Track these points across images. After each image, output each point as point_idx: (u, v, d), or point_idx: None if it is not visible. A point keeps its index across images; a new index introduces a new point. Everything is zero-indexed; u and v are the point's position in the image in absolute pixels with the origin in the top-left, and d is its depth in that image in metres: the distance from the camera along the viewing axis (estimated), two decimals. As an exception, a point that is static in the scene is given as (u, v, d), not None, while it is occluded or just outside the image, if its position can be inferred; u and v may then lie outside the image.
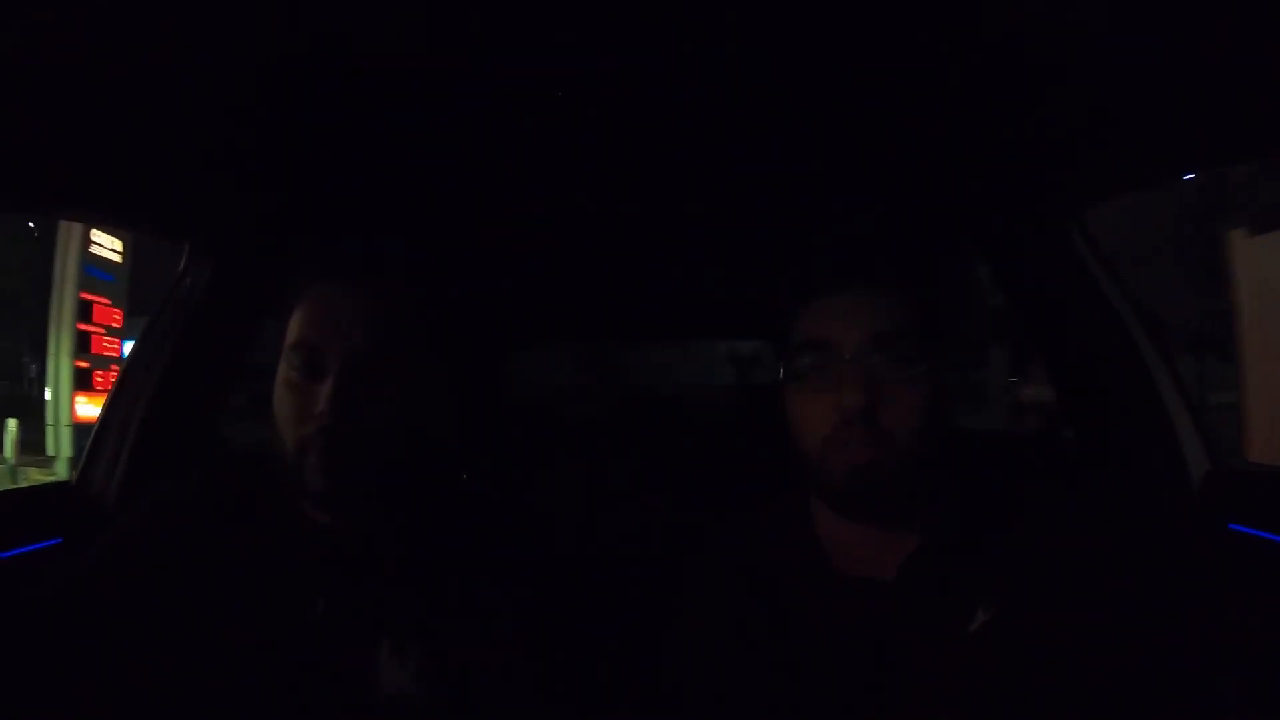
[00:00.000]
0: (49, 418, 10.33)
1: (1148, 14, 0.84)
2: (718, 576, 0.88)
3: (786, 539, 0.87)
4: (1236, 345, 5.91)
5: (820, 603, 0.81)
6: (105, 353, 10.25)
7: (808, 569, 0.84)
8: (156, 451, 1.34)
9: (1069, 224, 1.38)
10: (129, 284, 10.84)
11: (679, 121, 1.14)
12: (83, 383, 9.83)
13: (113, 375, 8.65)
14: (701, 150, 1.24)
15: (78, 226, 9.90)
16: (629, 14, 0.87)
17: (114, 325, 10.44)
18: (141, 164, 1.14)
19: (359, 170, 1.29)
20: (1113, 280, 1.36)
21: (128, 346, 6.75)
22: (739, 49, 0.94)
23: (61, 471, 9.40)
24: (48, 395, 10.06)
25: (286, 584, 0.82)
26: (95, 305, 10.30)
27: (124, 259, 10.83)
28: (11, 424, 10.03)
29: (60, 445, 9.73)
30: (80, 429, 9.54)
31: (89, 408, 9.59)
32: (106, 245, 10.44)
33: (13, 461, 10.26)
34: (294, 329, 0.82)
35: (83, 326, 10.12)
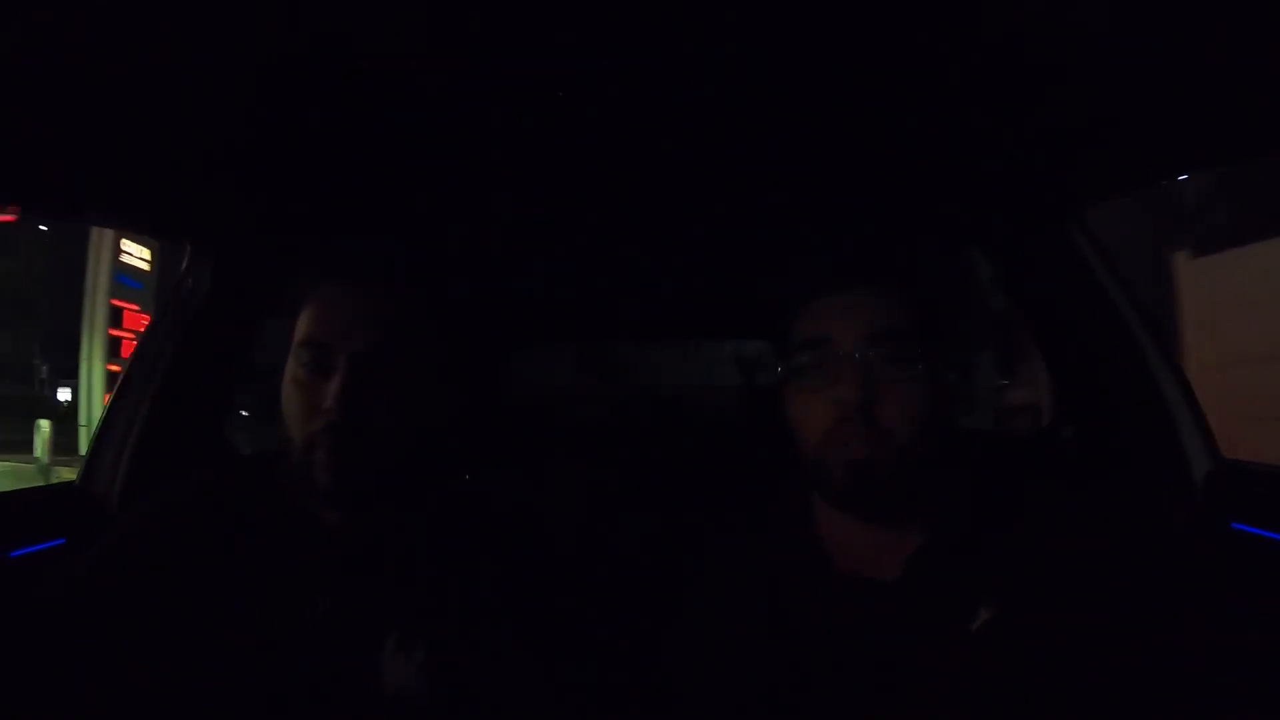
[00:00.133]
0: (81, 419, 10.51)
1: (1148, 14, 0.82)
2: (719, 576, 0.87)
3: (788, 539, 0.86)
4: (1181, 360, 5.87)
5: (822, 602, 0.80)
6: (135, 356, 10.37)
7: (809, 569, 0.82)
8: (159, 452, 1.33)
9: (1070, 223, 1.35)
10: (157, 291, 11.02)
11: (679, 121, 1.12)
12: (114, 385, 9.95)
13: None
14: (702, 150, 1.22)
15: (109, 237, 10.11)
16: (630, 14, 0.85)
17: (143, 330, 10.57)
18: (142, 164, 1.13)
19: (361, 171, 1.27)
20: (1115, 279, 1.34)
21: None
22: (739, 49, 0.92)
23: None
24: (80, 397, 10.23)
25: (290, 582, 0.81)
26: (125, 311, 10.47)
27: (152, 267, 11.02)
28: (44, 425, 10.19)
29: (92, 445, 9.89)
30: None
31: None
32: (136, 254, 10.67)
33: (46, 461, 10.43)
34: (301, 327, 0.83)
35: (114, 332, 10.30)
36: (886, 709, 0.74)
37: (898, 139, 1.18)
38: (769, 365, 0.93)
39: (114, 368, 10.29)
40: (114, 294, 10.32)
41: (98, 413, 9.85)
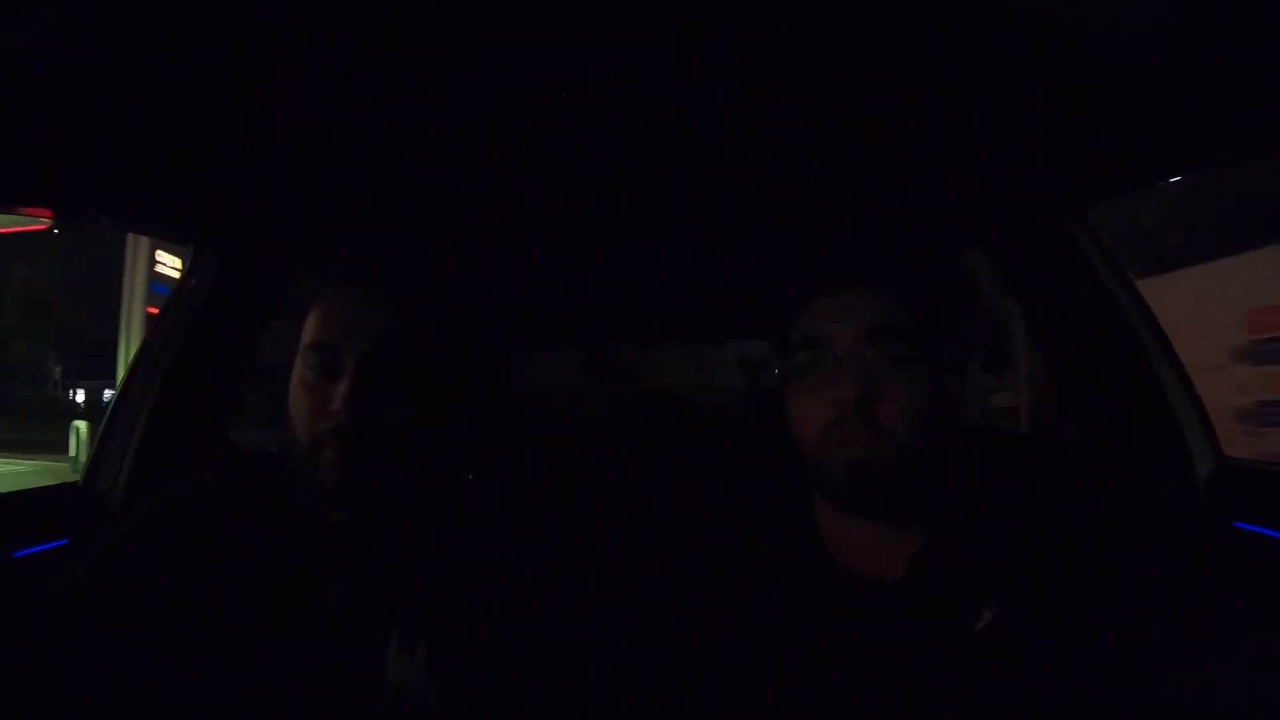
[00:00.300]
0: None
1: (1148, 14, 0.80)
2: (722, 576, 0.86)
3: (790, 538, 0.84)
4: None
5: (824, 601, 0.78)
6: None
7: (811, 568, 0.81)
8: (162, 453, 1.31)
9: (1071, 223, 1.34)
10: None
11: (680, 121, 1.10)
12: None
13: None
14: (702, 149, 1.20)
15: (145, 247, 10.36)
16: (632, 14, 0.83)
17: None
18: (146, 165, 1.11)
19: (364, 172, 1.25)
20: (1116, 278, 1.32)
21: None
22: (740, 50, 0.91)
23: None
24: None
25: (293, 581, 0.80)
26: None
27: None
28: (81, 426, 10.28)
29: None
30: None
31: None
32: (169, 264, 10.95)
33: (83, 461, 10.50)
34: (309, 330, 0.83)
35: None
36: (888, 709, 0.73)
37: (899, 139, 1.16)
38: (771, 366, 0.92)
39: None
40: (150, 302, 10.52)
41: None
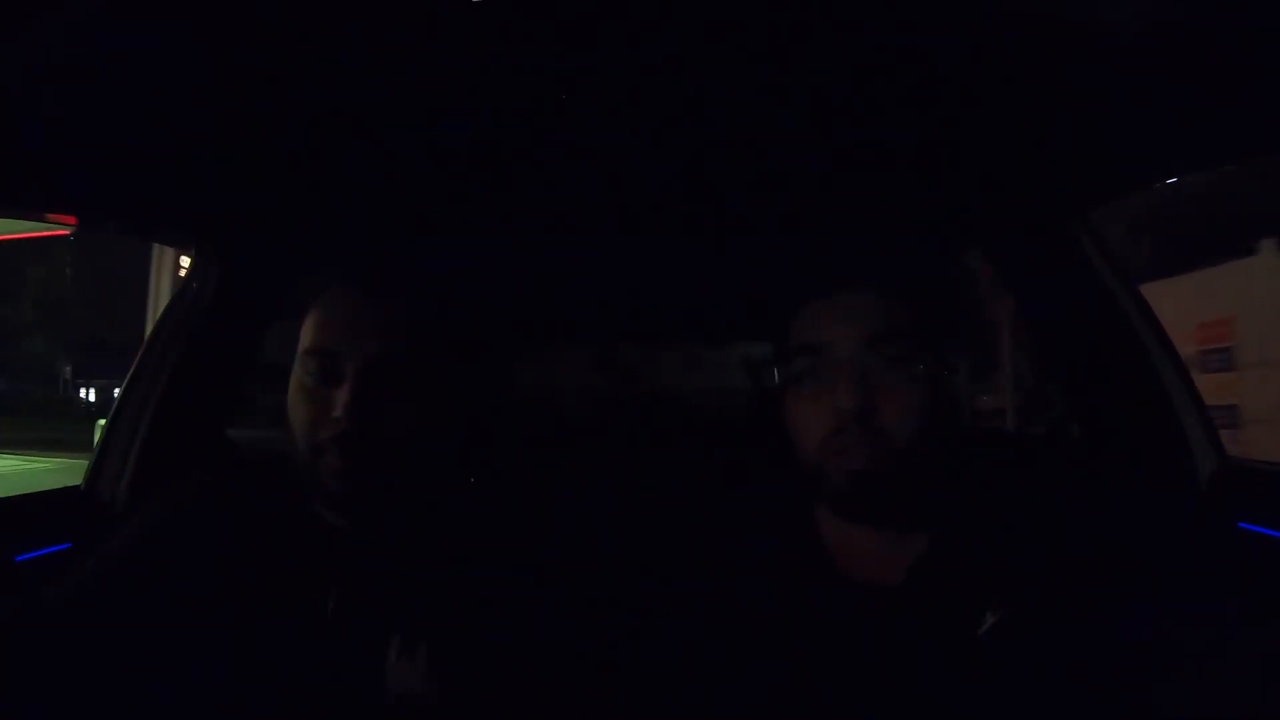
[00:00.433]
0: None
1: (1149, 14, 0.79)
2: (724, 580, 0.84)
3: (792, 542, 0.83)
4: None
5: (826, 606, 0.77)
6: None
7: (813, 572, 0.79)
8: (164, 456, 1.30)
9: (1074, 225, 1.33)
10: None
11: (684, 123, 1.09)
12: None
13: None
14: (706, 152, 1.19)
15: (170, 253, 10.49)
16: (634, 16, 0.82)
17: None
18: (147, 169, 1.10)
19: (367, 175, 1.24)
20: (1119, 279, 1.31)
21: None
22: (743, 52, 0.90)
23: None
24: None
25: (295, 585, 0.79)
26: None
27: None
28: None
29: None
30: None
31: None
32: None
33: None
34: (308, 334, 0.81)
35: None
36: (891, 713, 0.71)
37: (901, 141, 1.14)
38: (774, 369, 0.91)
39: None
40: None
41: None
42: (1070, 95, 0.98)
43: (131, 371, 1.33)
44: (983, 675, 0.69)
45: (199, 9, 0.77)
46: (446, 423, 0.87)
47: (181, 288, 1.35)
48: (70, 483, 1.33)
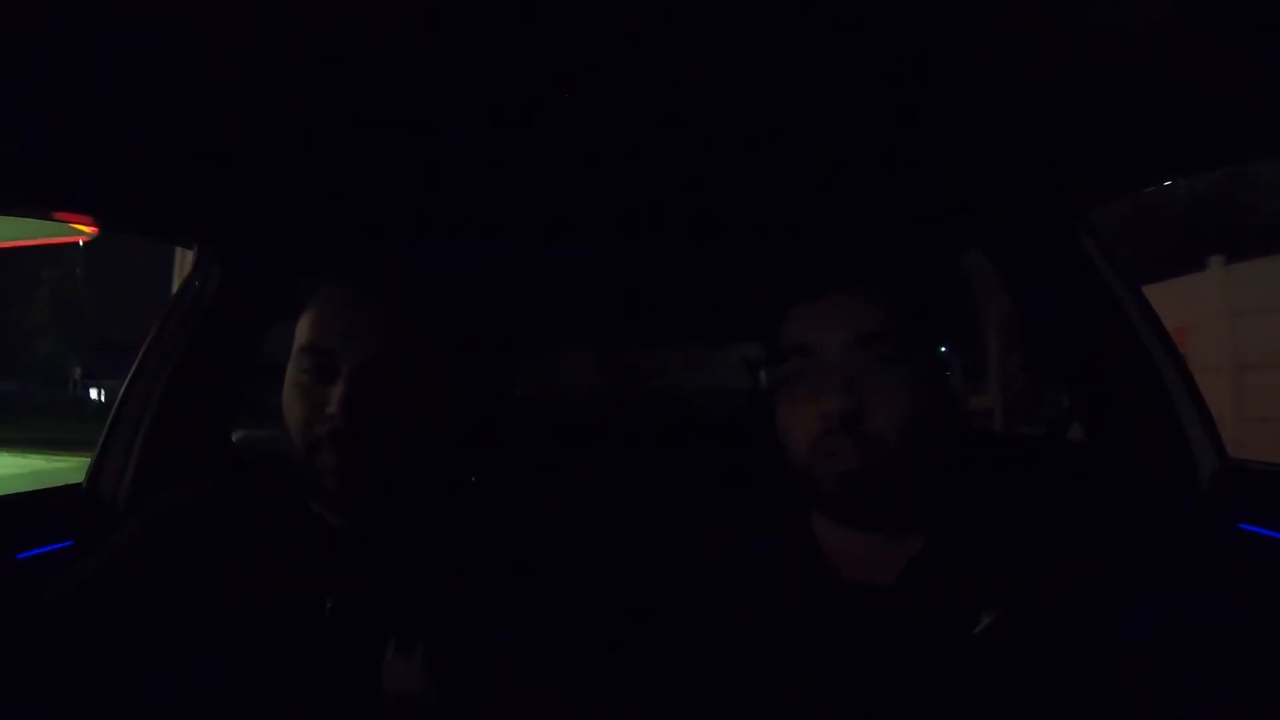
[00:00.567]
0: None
1: (1149, 14, 0.78)
2: (722, 580, 0.83)
3: (788, 543, 0.82)
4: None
5: (824, 607, 0.76)
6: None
7: (812, 573, 0.78)
8: (166, 455, 1.30)
9: (1075, 225, 1.32)
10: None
11: (685, 123, 1.08)
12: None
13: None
14: (706, 152, 1.18)
15: (190, 256, 10.60)
16: (633, 16, 0.81)
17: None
18: (149, 167, 1.10)
19: (369, 174, 1.24)
20: (1121, 279, 1.30)
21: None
22: (744, 53, 0.89)
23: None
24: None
25: (294, 584, 0.78)
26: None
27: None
28: None
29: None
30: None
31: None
32: None
33: None
34: (303, 332, 0.80)
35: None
36: (887, 714, 0.70)
37: (901, 141, 1.13)
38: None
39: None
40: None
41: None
42: (1070, 95, 0.97)
43: (133, 369, 1.32)
44: (980, 675, 0.68)
45: (199, 9, 0.76)
46: (445, 422, 0.86)
47: (183, 286, 1.34)
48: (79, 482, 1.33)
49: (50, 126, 0.94)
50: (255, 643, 0.76)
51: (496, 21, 0.81)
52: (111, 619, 0.75)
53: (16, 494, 1.17)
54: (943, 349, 0.78)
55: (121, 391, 1.33)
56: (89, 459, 1.31)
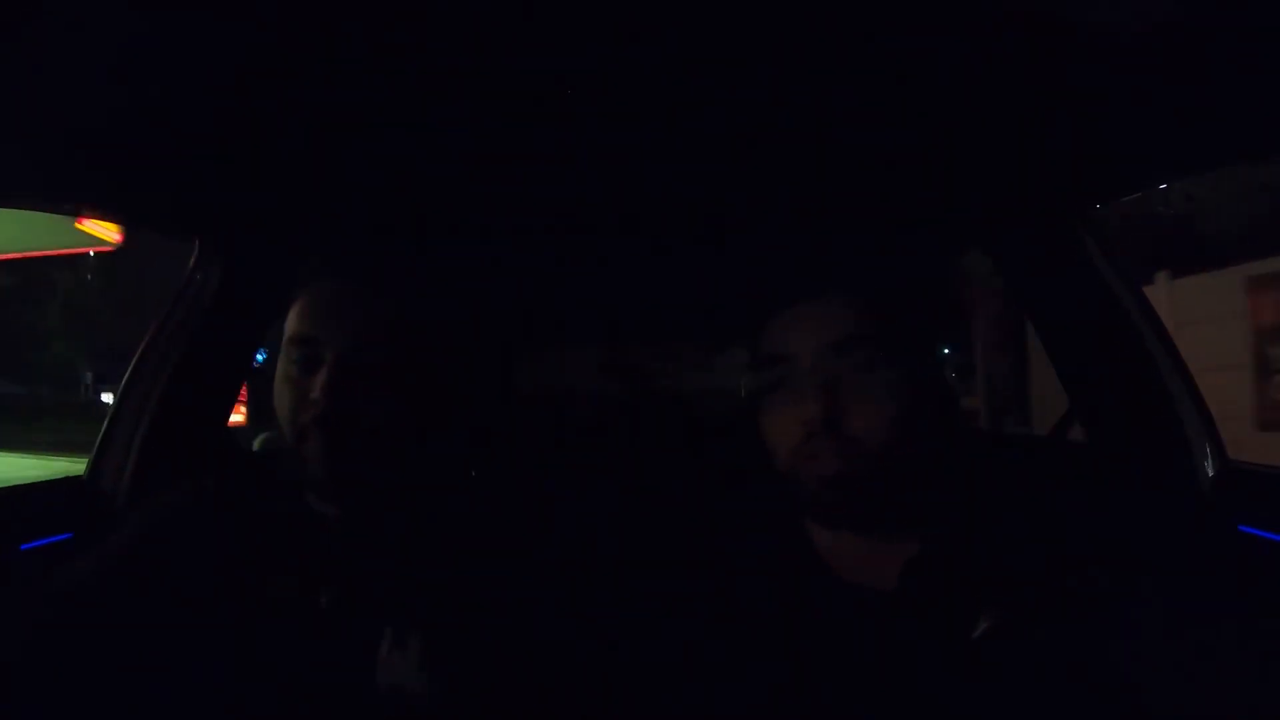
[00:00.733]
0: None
1: (1149, 14, 0.77)
2: (721, 581, 0.82)
3: (786, 546, 0.81)
4: (1028, 381, 8.14)
5: (824, 608, 0.75)
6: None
7: (808, 575, 0.78)
8: (166, 449, 1.29)
9: (1077, 225, 1.31)
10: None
11: (685, 123, 1.07)
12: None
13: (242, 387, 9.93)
14: (707, 153, 1.18)
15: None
16: (637, 17, 0.81)
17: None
18: (151, 161, 1.09)
19: (368, 172, 1.24)
20: (1122, 280, 1.29)
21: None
22: (744, 53, 0.88)
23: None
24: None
25: (292, 581, 0.78)
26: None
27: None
28: None
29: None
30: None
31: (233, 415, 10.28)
32: None
33: None
34: (291, 323, 0.81)
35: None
36: (888, 716, 0.69)
37: (901, 142, 1.13)
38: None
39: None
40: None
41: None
42: (1070, 95, 0.96)
43: (134, 364, 1.32)
44: (980, 676, 0.67)
45: (200, 8, 0.76)
46: (443, 419, 0.86)
47: (185, 282, 1.34)
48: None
49: (55, 123, 0.94)
50: (254, 640, 0.76)
51: (496, 21, 0.80)
52: (110, 617, 0.75)
53: (17, 486, 1.17)
54: (939, 350, 0.78)
55: (122, 385, 1.32)
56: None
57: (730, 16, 0.80)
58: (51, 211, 1.14)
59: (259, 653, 0.75)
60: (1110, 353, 1.31)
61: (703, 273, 1.91)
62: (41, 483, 1.24)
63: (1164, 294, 6.65)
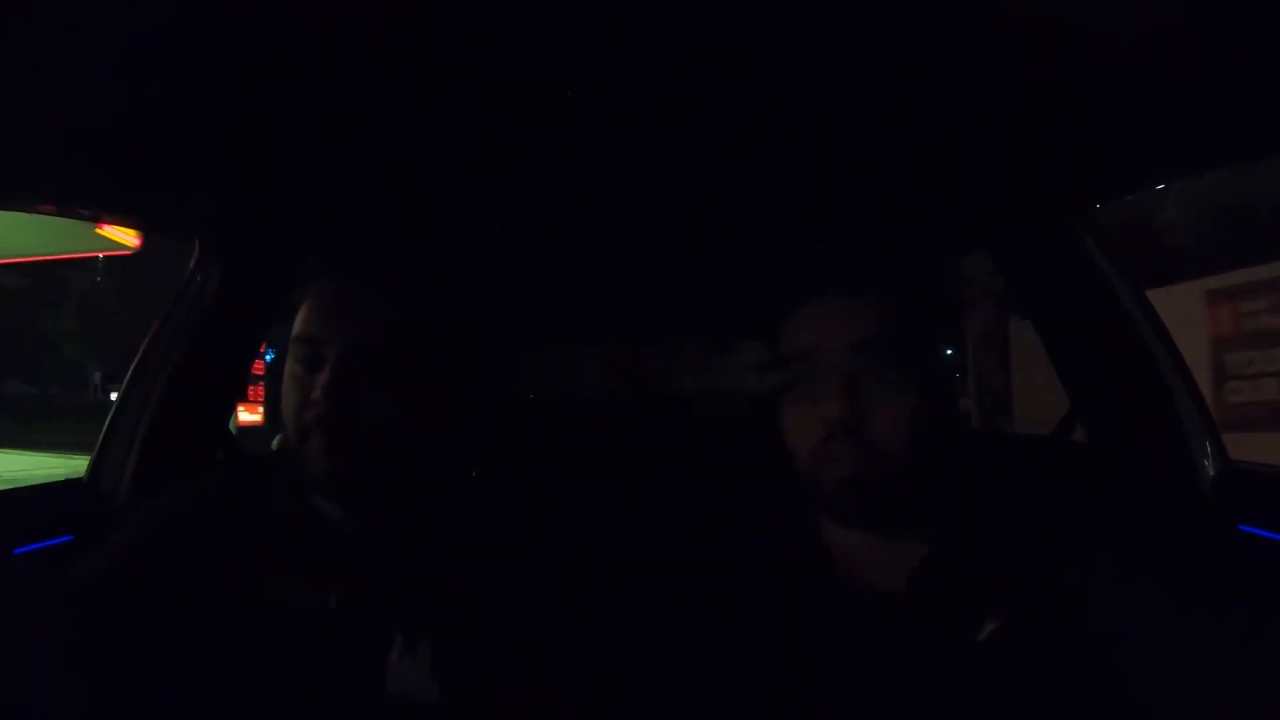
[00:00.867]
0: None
1: (1149, 14, 0.77)
2: (728, 582, 0.81)
3: (795, 546, 0.80)
4: (1012, 388, 8.50)
5: (828, 609, 0.74)
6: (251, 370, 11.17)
7: (815, 575, 0.77)
8: (167, 450, 1.29)
9: (1078, 226, 1.30)
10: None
11: (686, 124, 1.06)
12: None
13: (259, 388, 10.89)
14: (707, 153, 1.17)
15: None
16: (637, 17, 0.80)
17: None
18: (151, 162, 1.09)
19: (368, 173, 1.23)
20: (1125, 281, 1.28)
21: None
22: (744, 54, 0.88)
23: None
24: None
25: (296, 583, 0.78)
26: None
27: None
28: None
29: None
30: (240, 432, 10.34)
31: (247, 415, 10.67)
32: None
33: None
34: (297, 324, 0.81)
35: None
36: (891, 717, 0.69)
37: (902, 142, 1.12)
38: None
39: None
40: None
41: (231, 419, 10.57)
42: (1070, 95, 0.95)
43: (135, 364, 1.31)
44: (984, 679, 0.67)
45: (201, 8, 0.76)
46: (446, 420, 0.86)
47: (185, 283, 1.34)
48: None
49: (56, 123, 0.94)
50: (257, 642, 0.75)
51: (496, 21, 0.80)
52: (113, 618, 0.74)
53: (17, 488, 1.16)
54: (946, 351, 0.78)
55: (123, 386, 1.32)
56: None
57: (731, 17, 0.80)
58: (51, 213, 1.14)
59: (260, 654, 0.74)
60: (1110, 353, 1.31)
61: (704, 273, 1.90)
62: (41, 484, 1.24)
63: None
